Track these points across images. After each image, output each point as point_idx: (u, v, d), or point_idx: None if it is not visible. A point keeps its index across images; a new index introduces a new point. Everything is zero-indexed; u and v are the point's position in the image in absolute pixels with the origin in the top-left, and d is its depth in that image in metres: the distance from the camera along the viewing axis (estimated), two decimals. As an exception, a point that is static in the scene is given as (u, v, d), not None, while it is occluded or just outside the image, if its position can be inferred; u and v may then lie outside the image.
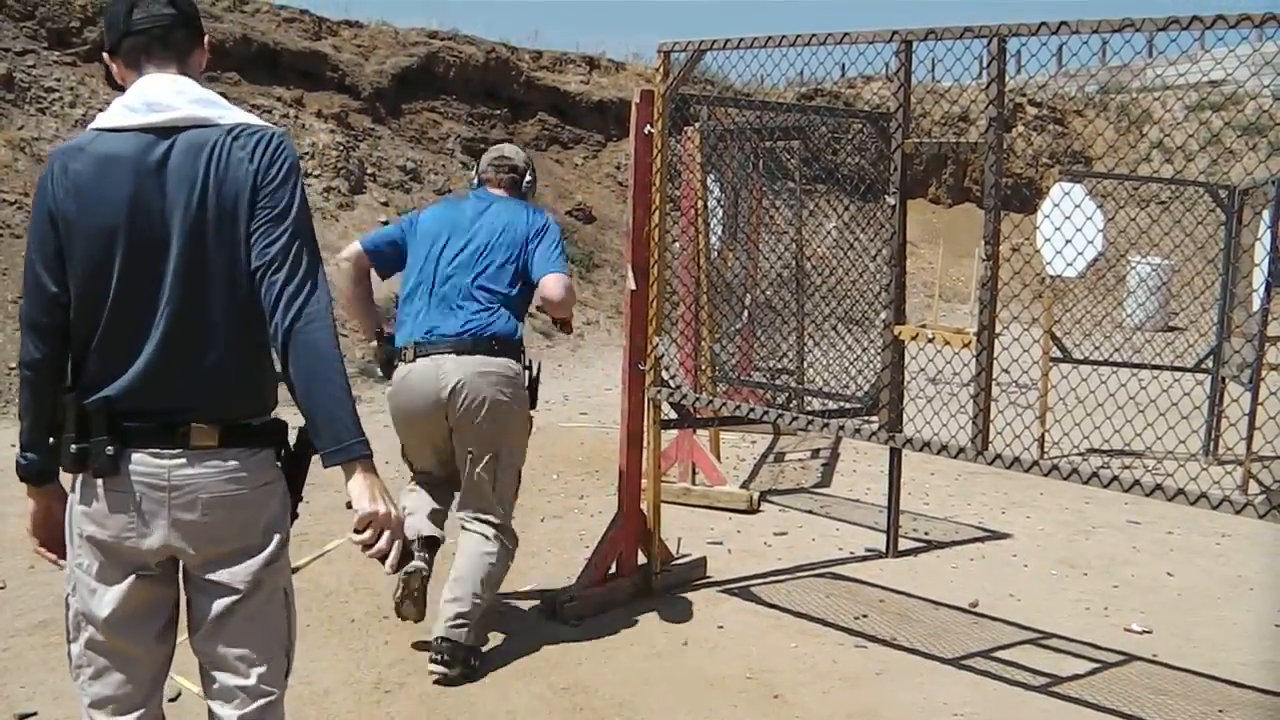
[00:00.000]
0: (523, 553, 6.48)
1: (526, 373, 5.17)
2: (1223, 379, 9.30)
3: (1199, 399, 8.46)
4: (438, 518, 5.32)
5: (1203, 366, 9.52)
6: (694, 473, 7.84)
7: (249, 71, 15.72)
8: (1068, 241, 7.93)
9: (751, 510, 7.51)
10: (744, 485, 8.15)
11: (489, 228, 5.19)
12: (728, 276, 7.92)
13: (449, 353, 4.97)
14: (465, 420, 4.97)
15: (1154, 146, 22.71)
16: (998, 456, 4.44)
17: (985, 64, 4.48)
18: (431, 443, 5.22)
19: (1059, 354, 9.49)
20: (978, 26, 4.47)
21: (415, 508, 5.32)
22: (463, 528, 5.17)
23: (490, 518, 5.11)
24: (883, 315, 4.92)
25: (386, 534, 2.71)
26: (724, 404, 5.58)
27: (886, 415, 4.88)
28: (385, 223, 14.89)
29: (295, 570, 6.04)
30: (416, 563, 5.09)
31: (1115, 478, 4.04)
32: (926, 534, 7.15)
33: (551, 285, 5.10)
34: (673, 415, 6.04)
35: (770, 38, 5.10)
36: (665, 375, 5.66)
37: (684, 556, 6.20)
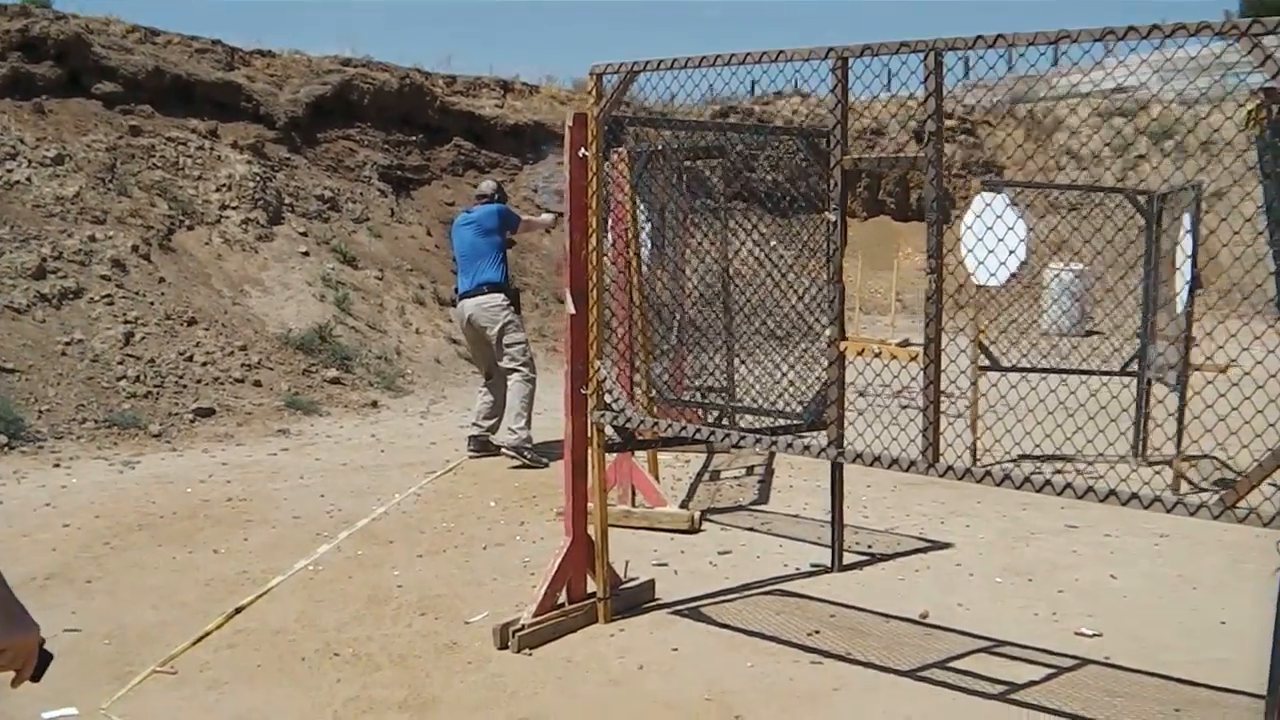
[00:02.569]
0: (467, 582, 6.48)
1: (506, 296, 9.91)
2: (1148, 381, 9.43)
3: (1125, 402, 8.58)
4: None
5: (1129, 370, 9.65)
6: (633, 494, 7.81)
7: (162, 104, 15.50)
8: (990, 251, 8.01)
9: (693, 530, 7.49)
10: (682, 505, 8.13)
11: (472, 226, 10.09)
12: (662, 296, 7.89)
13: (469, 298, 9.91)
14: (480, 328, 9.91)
15: (1066, 154, 23.02)
16: (949, 468, 4.45)
17: (923, 79, 4.50)
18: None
19: (986, 362, 9.58)
20: (914, 41, 4.49)
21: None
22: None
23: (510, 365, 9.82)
24: (827, 331, 4.92)
25: (24, 659, 2.33)
26: (669, 425, 5.55)
27: (835, 430, 4.88)
28: (305, 253, 14.79)
29: (240, 610, 5.98)
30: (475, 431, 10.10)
31: (1077, 485, 4.05)
32: (870, 547, 7.16)
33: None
34: (615, 439, 6.02)
35: (704, 58, 5.10)
36: (608, 398, 5.63)
37: (632, 580, 6.15)
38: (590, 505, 5.79)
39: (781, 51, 4.88)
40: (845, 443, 4.92)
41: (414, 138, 18.29)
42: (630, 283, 7.23)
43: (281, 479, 9.15)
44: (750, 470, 9.49)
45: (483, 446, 10.00)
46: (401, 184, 17.72)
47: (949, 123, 26.15)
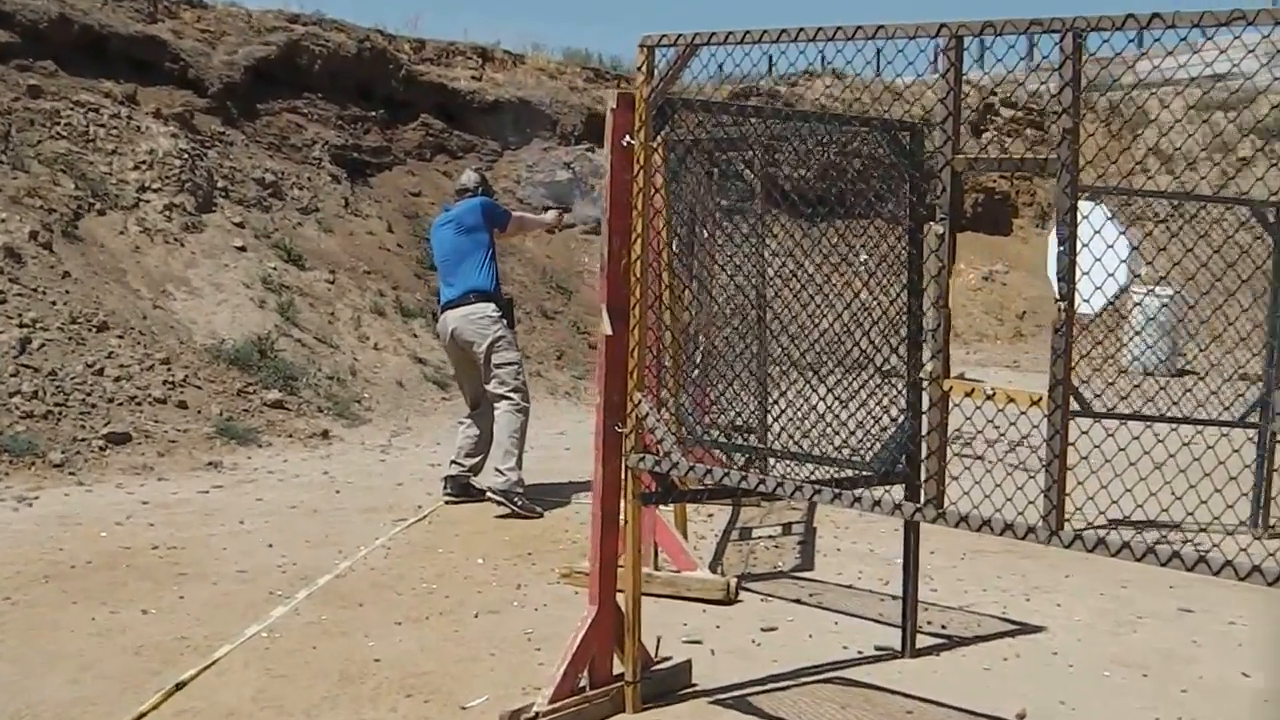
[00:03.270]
0: (459, 657, 6.47)
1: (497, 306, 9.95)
2: (1274, 434, 9.41)
3: (1222, 454, 8.50)
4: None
5: (1248, 420, 9.63)
6: (655, 554, 7.77)
7: (69, 61, 15.45)
8: (1086, 273, 7.95)
9: (729, 600, 7.46)
10: (711, 568, 8.09)
11: (452, 225, 10.15)
12: (699, 315, 7.83)
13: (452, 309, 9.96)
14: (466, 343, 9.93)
15: (1153, 154, 23.09)
16: (1078, 537, 4.42)
17: (1058, 65, 4.49)
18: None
19: (1075, 406, 9.53)
20: (1048, 20, 4.48)
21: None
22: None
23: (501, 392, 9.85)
24: (927, 366, 4.90)
25: None
26: (725, 474, 5.51)
27: (934, 487, 4.85)
28: (242, 248, 14.76)
29: (181, 685, 5.91)
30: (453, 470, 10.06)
31: (1239, 565, 4.02)
32: (944, 627, 7.14)
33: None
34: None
35: (784, 31, 5.08)
36: (651, 438, 5.60)
37: (665, 660, 6.12)
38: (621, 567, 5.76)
39: (881, 27, 4.86)
40: (947, 502, 4.89)
41: (374, 113, 18.31)
42: (661, 298, 7.17)
43: (217, 523, 9.10)
44: (787, 528, 9.47)
45: (463, 490, 9.96)
46: (358, 168, 17.72)
47: (1011, 113, 26.29)
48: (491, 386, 9.80)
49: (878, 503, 5.00)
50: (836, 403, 6.54)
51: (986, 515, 4.67)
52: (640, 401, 5.54)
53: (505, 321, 9.95)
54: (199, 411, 12.02)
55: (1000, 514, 4.65)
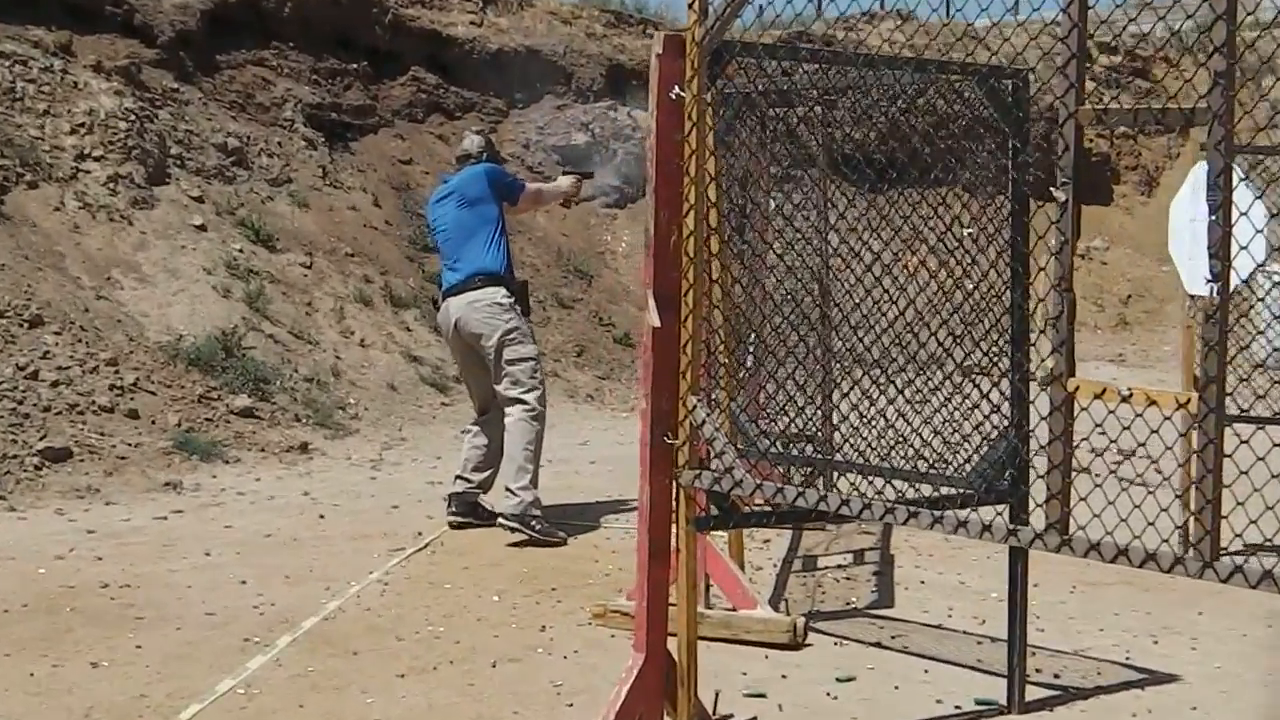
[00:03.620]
0: (476, 716, 6.38)
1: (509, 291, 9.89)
2: None
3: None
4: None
5: None
6: (707, 590, 7.70)
7: (-5, 6, 15.50)
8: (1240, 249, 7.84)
9: (796, 644, 7.37)
10: (772, 606, 8.01)
11: (453, 198, 10.13)
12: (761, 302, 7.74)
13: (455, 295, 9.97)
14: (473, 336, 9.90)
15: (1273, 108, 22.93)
16: (1238, 570, 4.29)
17: (1209, -6, 4.38)
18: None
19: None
20: (1194, -60, 4.37)
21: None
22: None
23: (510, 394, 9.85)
24: (1047, 363, 4.79)
25: None
26: (799, 493, 5.40)
27: (1057, 508, 4.74)
28: (201, 226, 14.75)
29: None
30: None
31: None
32: (1057, 676, 7.04)
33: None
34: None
35: (869, -44, 4.98)
36: (709, 450, 5.52)
37: (725, 718, 6.04)
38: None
39: (989, -51, 4.77)
40: (1072, 527, 4.78)
41: (355, 66, 18.38)
42: (716, 281, 7.08)
43: (178, 555, 9.06)
44: (859, 556, 9.39)
45: (470, 509, 9.93)
46: (337, 131, 17.80)
47: (1111, 60, 26.18)
48: (502, 387, 9.75)
49: (988, 527, 4.89)
50: (928, 407, 6.46)
51: (1122, 542, 4.56)
52: (695, 407, 5.44)
53: (519, 310, 9.88)
54: (153, 422, 11.99)
55: (1141, 541, 4.54)
